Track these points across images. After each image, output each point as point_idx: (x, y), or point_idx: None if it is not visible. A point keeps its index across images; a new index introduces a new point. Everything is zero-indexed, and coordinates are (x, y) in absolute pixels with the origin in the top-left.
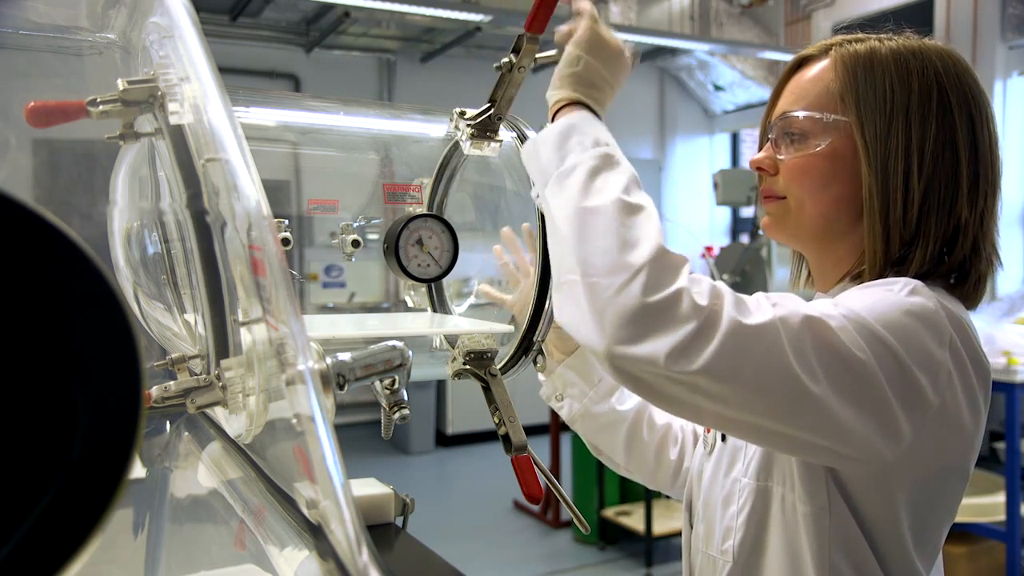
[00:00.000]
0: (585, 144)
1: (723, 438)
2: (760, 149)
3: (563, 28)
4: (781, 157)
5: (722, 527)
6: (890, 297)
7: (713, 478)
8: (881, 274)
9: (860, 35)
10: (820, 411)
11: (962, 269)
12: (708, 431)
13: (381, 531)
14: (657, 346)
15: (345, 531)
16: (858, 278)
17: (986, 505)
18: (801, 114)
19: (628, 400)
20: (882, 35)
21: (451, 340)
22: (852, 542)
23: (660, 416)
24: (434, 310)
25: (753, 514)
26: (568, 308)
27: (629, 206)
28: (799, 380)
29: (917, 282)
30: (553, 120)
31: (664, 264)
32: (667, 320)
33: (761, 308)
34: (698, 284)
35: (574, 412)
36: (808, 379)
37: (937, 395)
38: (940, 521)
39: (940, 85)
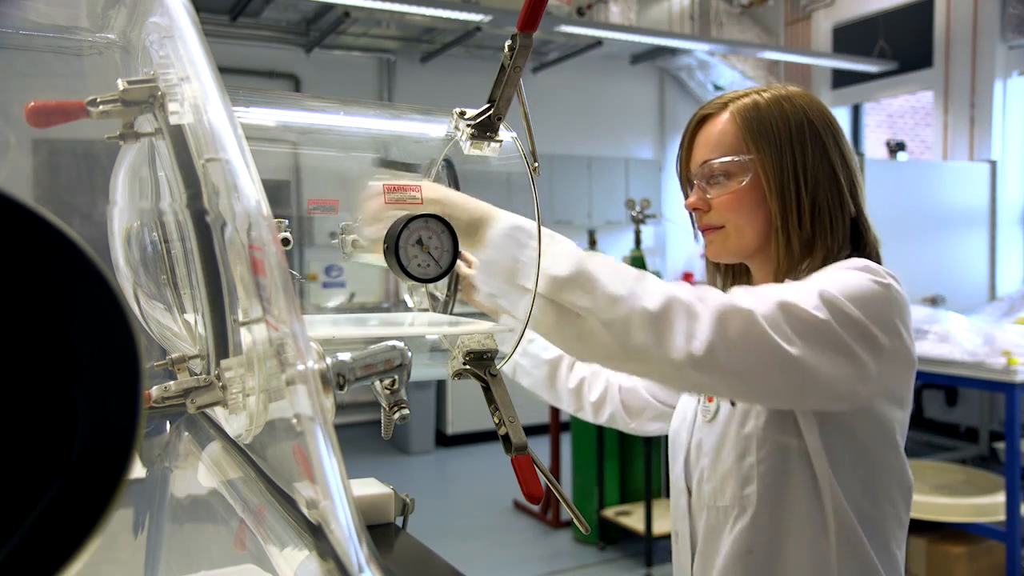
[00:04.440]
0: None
1: (732, 403)
2: (686, 195)
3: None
4: (710, 196)
5: (740, 476)
6: (845, 272)
7: (721, 439)
8: (793, 265)
9: (742, 92)
10: (802, 370)
11: (874, 249)
12: (710, 400)
13: (381, 531)
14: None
15: (345, 531)
16: (788, 273)
17: (986, 505)
18: (724, 159)
19: (550, 349)
20: (758, 89)
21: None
22: (857, 467)
23: (583, 366)
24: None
25: (771, 461)
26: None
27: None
28: (780, 347)
29: (865, 260)
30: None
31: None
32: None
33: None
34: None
35: (515, 367)
36: (786, 345)
37: (887, 338)
38: (904, 429)
39: (808, 118)
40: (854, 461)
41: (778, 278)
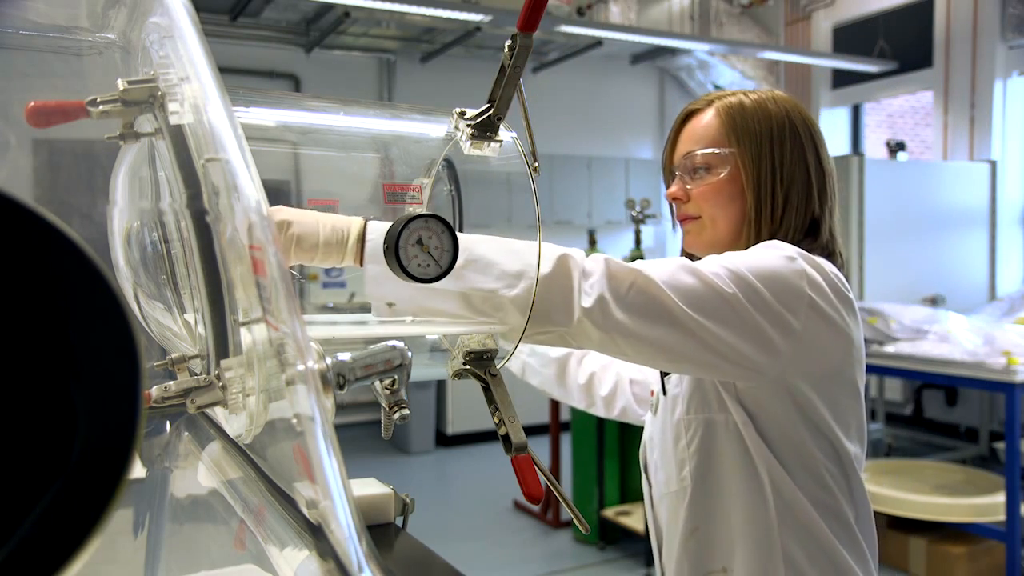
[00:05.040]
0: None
1: (663, 391)
2: (668, 186)
3: None
4: (690, 187)
5: (677, 461)
6: (759, 251)
7: (663, 429)
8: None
9: (729, 91)
10: (698, 334)
11: (828, 248)
12: (652, 394)
13: (381, 531)
14: None
15: (345, 531)
16: None
17: (986, 505)
18: (705, 151)
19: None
20: (746, 91)
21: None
22: (789, 440)
23: (592, 361)
24: None
25: (700, 440)
26: None
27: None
28: (674, 305)
29: (780, 242)
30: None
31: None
32: None
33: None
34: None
35: (523, 366)
36: (683, 305)
37: (799, 320)
38: (850, 408)
39: (790, 120)
40: (781, 434)
41: None
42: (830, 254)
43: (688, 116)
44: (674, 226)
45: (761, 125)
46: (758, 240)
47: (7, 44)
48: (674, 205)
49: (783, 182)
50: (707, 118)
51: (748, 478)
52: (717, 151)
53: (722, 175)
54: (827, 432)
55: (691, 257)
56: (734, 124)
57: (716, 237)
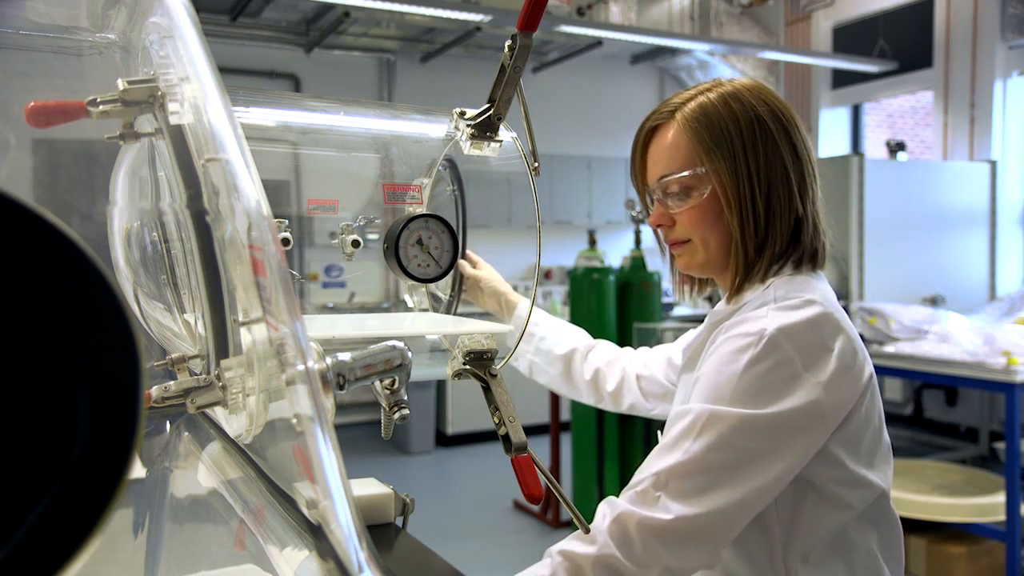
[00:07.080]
0: None
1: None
2: (645, 206)
3: None
4: (673, 211)
5: None
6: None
7: None
8: (749, 270)
9: (687, 94)
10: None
11: (812, 247)
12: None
13: (381, 531)
14: None
15: (345, 531)
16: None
17: (986, 505)
18: (681, 175)
19: (562, 345)
20: (702, 87)
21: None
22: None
23: (596, 357)
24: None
25: None
26: None
27: None
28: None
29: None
30: None
31: None
32: None
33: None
34: None
35: (530, 365)
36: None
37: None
38: (873, 443)
39: (757, 116)
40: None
41: (736, 285)
42: (814, 255)
43: (651, 132)
44: (663, 251)
45: (731, 131)
46: (747, 258)
47: (7, 44)
48: (660, 231)
49: (761, 190)
50: (672, 134)
51: (758, 533)
52: (693, 172)
53: (704, 195)
54: (857, 480)
55: (685, 277)
56: (702, 138)
57: (709, 258)
